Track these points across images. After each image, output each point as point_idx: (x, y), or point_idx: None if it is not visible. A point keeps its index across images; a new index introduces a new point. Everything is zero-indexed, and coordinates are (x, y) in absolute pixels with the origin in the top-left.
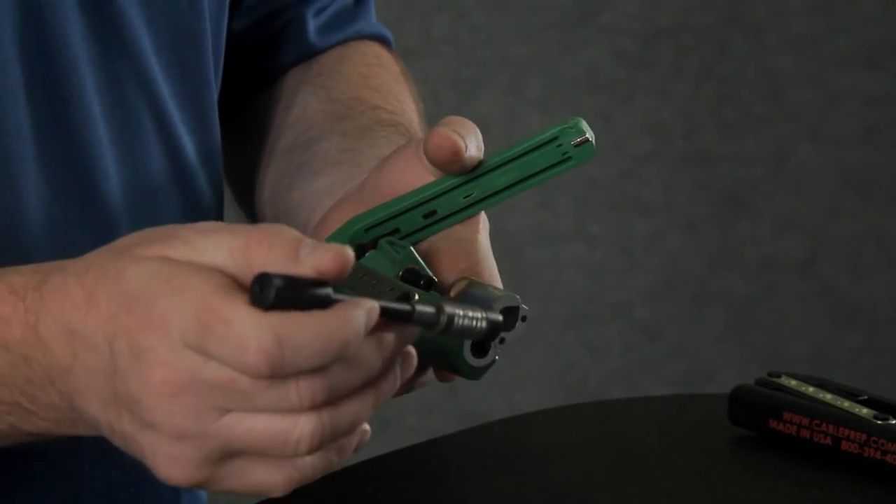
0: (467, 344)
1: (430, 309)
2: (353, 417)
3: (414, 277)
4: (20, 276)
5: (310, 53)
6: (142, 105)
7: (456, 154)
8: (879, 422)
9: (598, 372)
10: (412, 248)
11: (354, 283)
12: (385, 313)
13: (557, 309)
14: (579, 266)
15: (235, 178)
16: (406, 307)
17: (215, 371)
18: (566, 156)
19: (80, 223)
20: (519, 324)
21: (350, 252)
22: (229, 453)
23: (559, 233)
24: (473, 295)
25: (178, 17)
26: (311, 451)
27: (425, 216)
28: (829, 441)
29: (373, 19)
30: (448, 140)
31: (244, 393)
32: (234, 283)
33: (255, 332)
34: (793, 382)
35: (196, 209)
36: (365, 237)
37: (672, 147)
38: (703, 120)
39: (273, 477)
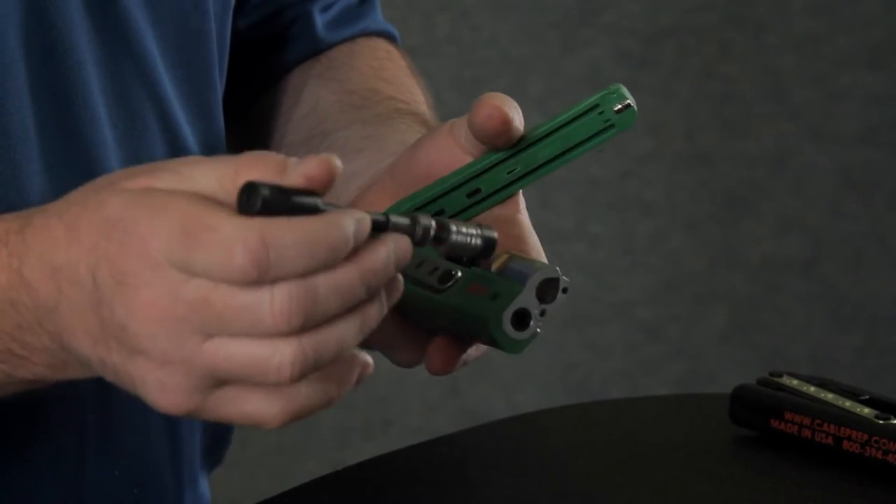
0: (507, 317)
1: (405, 220)
2: (336, 343)
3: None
4: (2, 223)
5: (318, 49)
6: (147, 106)
7: (506, 124)
8: (881, 421)
9: (599, 372)
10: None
11: None
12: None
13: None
14: (581, 266)
15: None
16: (381, 216)
17: (195, 289)
18: (608, 123)
19: None
20: (560, 295)
21: (337, 160)
22: (218, 381)
23: (561, 232)
24: (512, 269)
25: (183, 17)
26: (294, 379)
27: (469, 195)
28: (830, 441)
29: (379, 16)
30: (497, 111)
31: (220, 315)
32: (221, 203)
33: (240, 233)
34: (794, 382)
35: None
36: None
37: (674, 147)
38: (704, 120)
39: (266, 407)
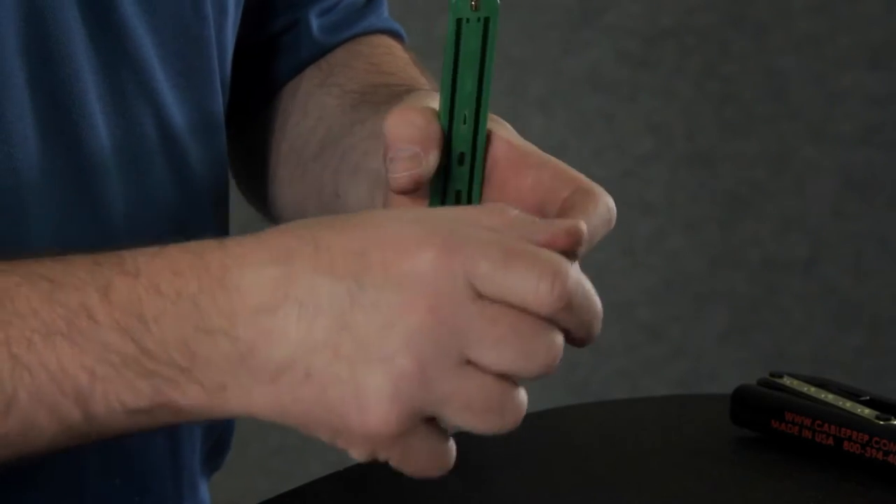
0: None
1: None
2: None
3: None
4: (191, 242)
5: (316, 54)
6: (145, 112)
7: (419, 182)
8: (881, 422)
9: (600, 372)
10: None
11: None
12: None
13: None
14: (581, 266)
15: (254, 188)
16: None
17: (483, 306)
18: (481, 20)
19: (84, 232)
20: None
21: (583, 226)
22: (441, 408)
23: None
24: None
25: (182, 23)
26: (511, 427)
27: (461, 163)
28: (830, 441)
29: (384, 14)
30: (402, 181)
31: (502, 336)
32: None
33: (563, 264)
34: (795, 383)
35: (201, 211)
36: None
37: (674, 147)
38: (705, 120)
39: (450, 458)
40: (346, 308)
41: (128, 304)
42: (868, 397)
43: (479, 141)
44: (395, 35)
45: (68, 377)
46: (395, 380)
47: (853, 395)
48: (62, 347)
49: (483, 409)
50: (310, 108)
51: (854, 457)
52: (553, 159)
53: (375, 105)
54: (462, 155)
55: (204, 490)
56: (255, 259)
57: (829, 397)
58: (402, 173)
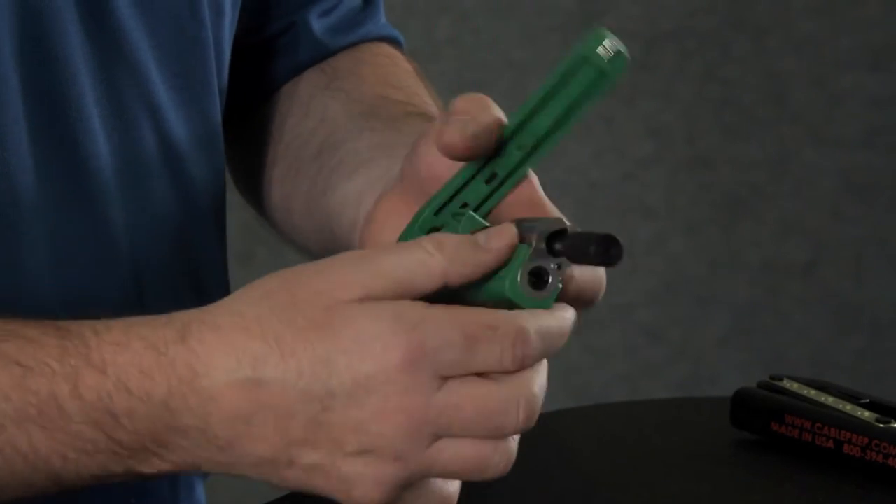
0: (523, 281)
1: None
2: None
3: None
4: (152, 329)
5: (319, 55)
6: (142, 115)
7: (468, 150)
8: (881, 425)
9: (600, 375)
10: (471, 212)
11: None
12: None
13: None
14: None
15: (251, 188)
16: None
17: (447, 396)
18: (600, 72)
19: (82, 237)
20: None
21: (511, 228)
22: (427, 475)
23: None
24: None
25: (178, 25)
26: (500, 476)
27: (487, 181)
28: (830, 444)
29: (382, 20)
30: (446, 149)
31: (468, 418)
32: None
33: (518, 326)
34: (795, 385)
35: (200, 218)
36: (436, 221)
37: (674, 150)
38: (705, 123)
39: (447, 491)
40: (318, 411)
41: (97, 401)
42: (868, 400)
43: (519, 173)
44: (393, 42)
45: (41, 459)
46: (374, 468)
47: (853, 398)
48: (35, 434)
49: (463, 473)
50: (312, 109)
51: (854, 460)
52: (563, 218)
53: (390, 120)
54: (494, 175)
55: (200, 491)
56: (223, 366)
57: (829, 400)
58: (458, 132)
